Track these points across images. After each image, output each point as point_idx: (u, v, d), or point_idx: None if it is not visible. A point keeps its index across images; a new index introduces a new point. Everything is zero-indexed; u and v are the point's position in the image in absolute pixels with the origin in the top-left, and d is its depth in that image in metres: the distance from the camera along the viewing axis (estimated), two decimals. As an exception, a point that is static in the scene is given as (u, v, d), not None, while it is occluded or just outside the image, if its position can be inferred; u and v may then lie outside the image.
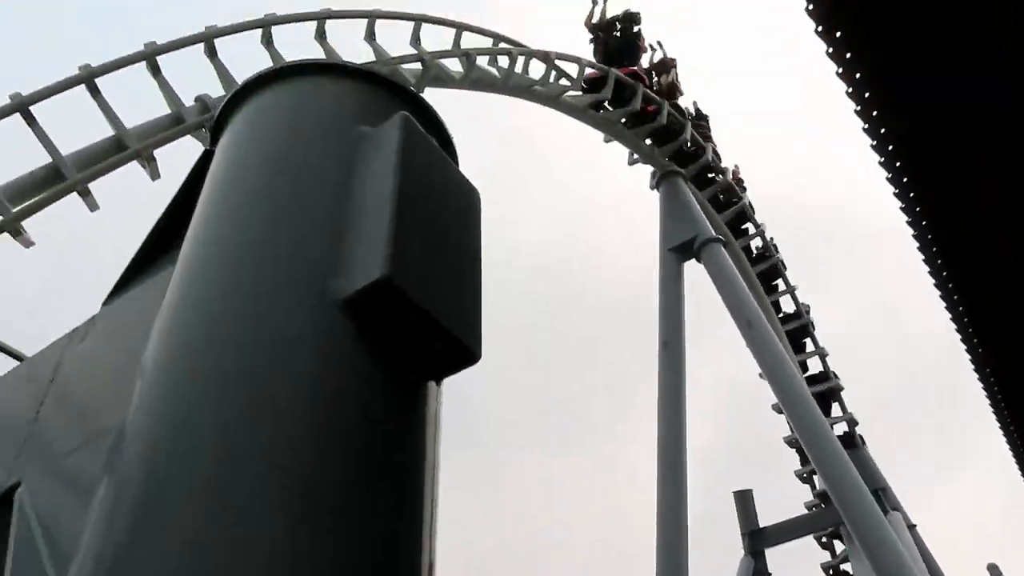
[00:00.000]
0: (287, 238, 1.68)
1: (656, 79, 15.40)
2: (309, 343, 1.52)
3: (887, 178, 5.76)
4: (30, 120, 6.57)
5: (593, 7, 14.72)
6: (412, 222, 1.70)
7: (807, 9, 4.97)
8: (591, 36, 14.86)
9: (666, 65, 15.59)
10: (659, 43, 15.65)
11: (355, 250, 1.64)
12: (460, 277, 1.81)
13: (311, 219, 1.72)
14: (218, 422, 1.40)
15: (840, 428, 15.56)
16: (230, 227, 1.76)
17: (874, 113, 5.44)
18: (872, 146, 5.61)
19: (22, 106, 6.48)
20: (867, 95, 5.38)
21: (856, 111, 5.34)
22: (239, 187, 1.86)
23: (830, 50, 5.20)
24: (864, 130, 5.36)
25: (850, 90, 5.32)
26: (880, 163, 5.62)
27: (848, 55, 5.27)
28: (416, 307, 1.59)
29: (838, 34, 5.15)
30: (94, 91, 6.86)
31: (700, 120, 16.71)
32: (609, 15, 14.92)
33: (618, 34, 14.58)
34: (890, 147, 5.64)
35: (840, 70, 5.23)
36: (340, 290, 1.57)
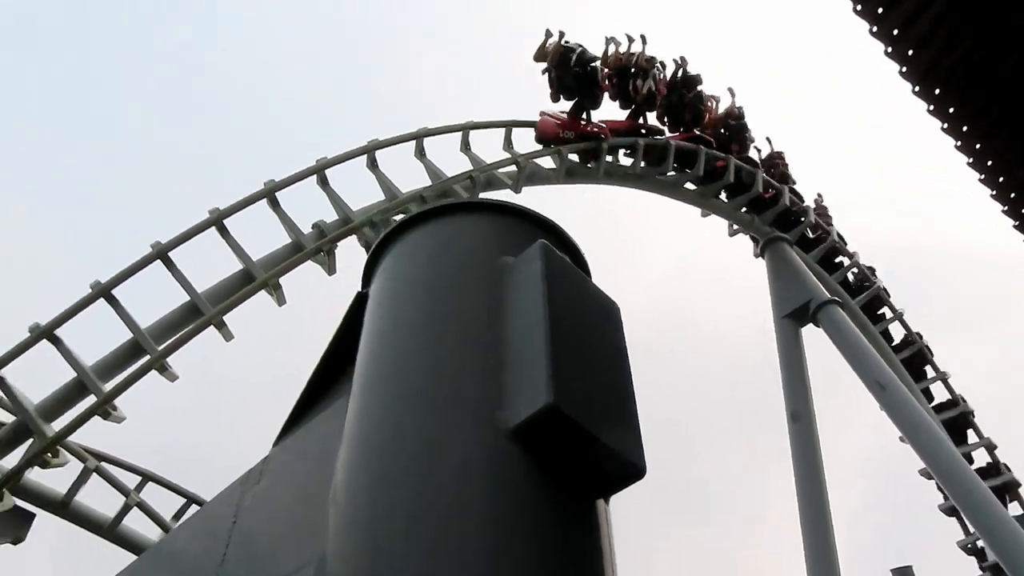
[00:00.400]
0: (452, 374, 1.78)
1: (632, 83, 12.65)
2: (485, 475, 1.58)
3: (1015, 226, 5.49)
4: (169, 264, 7.15)
5: (546, 39, 11.68)
6: (565, 346, 1.77)
7: (901, 72, 4.91)
8: (543, 69, 12.07)
9: (642, 68, 12.60)
10: (642, 37, 12.87)
11: (516, 379, 1.72)
12: (616, 394, 1.85)
13: (471, 354, 1.82)
14: (410, 558, 1.47)
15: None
16: (396, 367, 1.87)
17: (988, 162, 5.25)
18: (992, 195, 5.39)
19: (162, 253, 7.07)
20: (978, 147, 5.21)
21: (969, 163, 5.18)
22: (399, 327, 1.98)
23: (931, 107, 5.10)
24: (989, 187, 5.16)
25: (960, 144, 5.17)
26: (1004, 211, 5.38)
27: (951, 110, 5.15)
28: (581, 430, 1.64)
29: (936, 91, 5.06)
30: (223, 231, 7.42)
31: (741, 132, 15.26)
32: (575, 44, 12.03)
33: (576, 69, 11.60)
34: (1012, 195, 5.41)
35: (945, 125, 5.10)
36: (508, 420, 1.64)
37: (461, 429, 1.65)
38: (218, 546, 2.18)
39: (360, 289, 2.37)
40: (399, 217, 9.60)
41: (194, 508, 9.12)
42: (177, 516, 9.02)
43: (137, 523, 8.61)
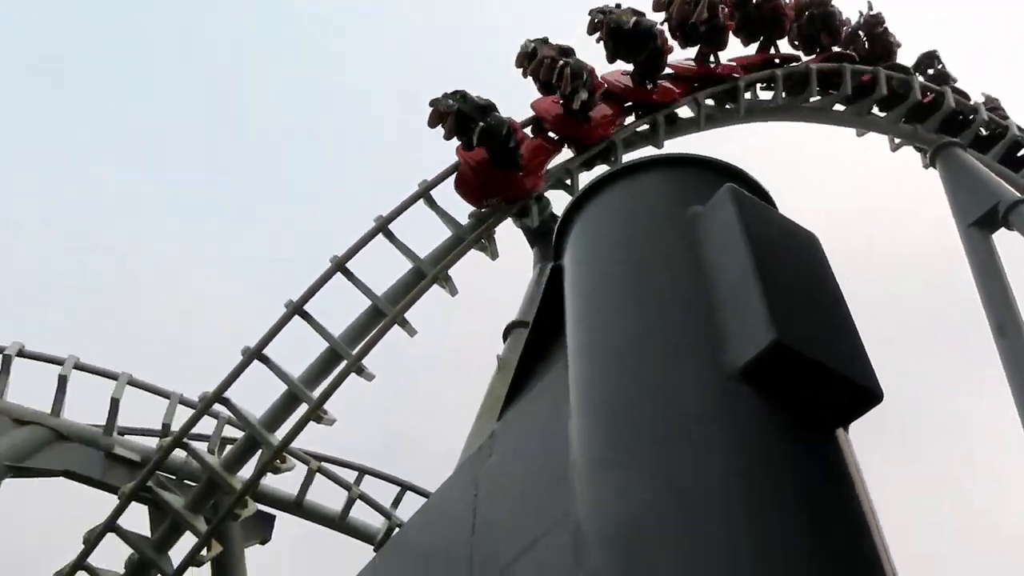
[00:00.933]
0: (668, 327, 1.82)
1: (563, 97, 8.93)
2: (721, 419, 1.61)
3: None
4: (348, 274, 7.60)
5: (439, 105, 8.21)
6: (776, 282, 1.77)
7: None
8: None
9: (567, 85, 8.77)
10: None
11: (733, 322, 1.73)
12: (835, 321, 1.83)
13: (682, 304, 1.86)
14: (662, 511, 1.52)
15: None
16: (611, 329, 1.94)
17: None
18: None
19: (340, 264, 7.54)
20: None
21: None
22: (605, 291, 2.05)
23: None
24: None
25: None
26: None
27: None
28: (811, 361, 1.64)
29: None
30: (390, 236, 7.81)
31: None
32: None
33: (487, 145, 8.33)
34: None
35: None
36: (733, 362, 1.65)
37: (688, 379, 1.69)
38: (465, 518, 2.31)
39: (553, 262, 2.47)
40: (552, 194, 9.72)
41: (409, 495, 9.73)
42: (395, 503, 9.67)
43: (361, 514, 9.38)
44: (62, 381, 8.08)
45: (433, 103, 8.02)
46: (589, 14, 9.34)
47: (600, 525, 1.61)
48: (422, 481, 9.77)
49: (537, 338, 2.45)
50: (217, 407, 7.10)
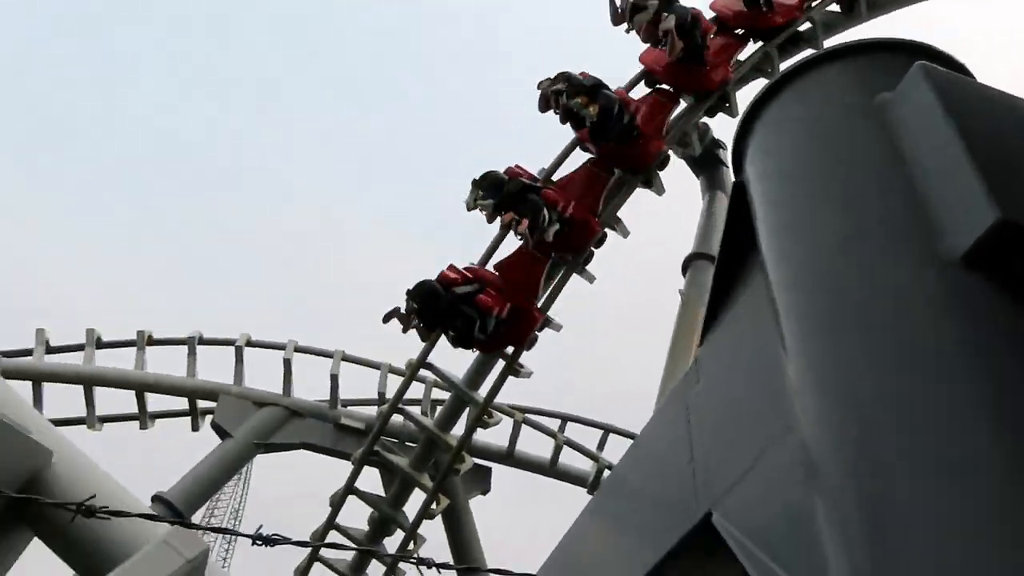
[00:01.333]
0: (875, 222, 1.73)
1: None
2: (951, 313, 1.50)
3: None
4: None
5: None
6: (991, 155, 1.62)
7: None
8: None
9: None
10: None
11: (945, 206, 1.61)
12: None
13: (886, 196, 1.75)
14: (897, 411, 1.45)
15: None
16: (812, 235, 1.86)
17: None
18: None
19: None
20: None
21: None
22: (798, 198, 1.97)
23: None
24: None
25: None
26: None
27: None
28: (1050, 238, 1.49)
29: None
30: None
31: None
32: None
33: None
34: None
35: None
36: (953, 250, 1.53)
37: (905, 274, 1.59)
38: (682, 445, 2.31)
39: (734, 179, 2.39)
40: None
41: (612, 437, 9.96)
42: (600, 445, 9.96)
43: (569, 458, 9.75)
44: (287, 364, 9.00)
45: (389, 315, 7.33)
46: (539, 87, 8.16)
47: (828, 436, 1.54)
48: (617, 422, 10.01)
49: (728, 259, 2.40)
50: (423, 372, 7.60)
